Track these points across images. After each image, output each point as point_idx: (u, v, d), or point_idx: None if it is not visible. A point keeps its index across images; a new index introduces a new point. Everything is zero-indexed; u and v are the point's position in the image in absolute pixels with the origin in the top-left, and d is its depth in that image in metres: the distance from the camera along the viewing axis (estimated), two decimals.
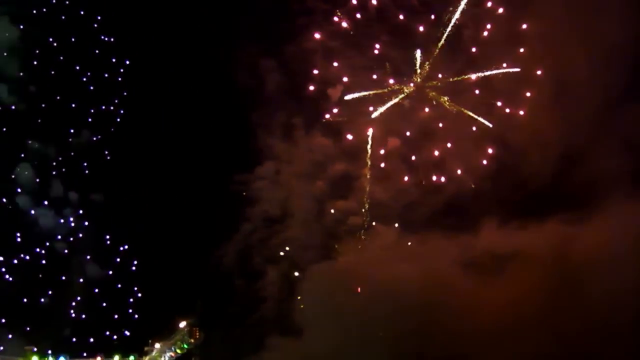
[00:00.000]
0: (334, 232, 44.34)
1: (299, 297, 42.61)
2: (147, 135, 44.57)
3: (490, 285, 39.20)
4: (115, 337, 43.30)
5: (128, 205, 43.84)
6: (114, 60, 46.53)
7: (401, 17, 43.21)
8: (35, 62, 44.89)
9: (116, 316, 43.96)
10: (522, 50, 41.93)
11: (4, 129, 43.46)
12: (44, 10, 45.48)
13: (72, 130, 45.40)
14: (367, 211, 44.17)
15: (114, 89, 46.33)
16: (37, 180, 43.92)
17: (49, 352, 40.88)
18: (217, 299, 43.78)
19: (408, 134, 44.58)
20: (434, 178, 44.00)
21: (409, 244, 42.88)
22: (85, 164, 45.43)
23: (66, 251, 43.74)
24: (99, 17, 46.54)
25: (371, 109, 43.44)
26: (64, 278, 43.20)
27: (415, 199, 43.85)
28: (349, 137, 44.46)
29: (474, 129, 43.14)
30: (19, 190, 43.33)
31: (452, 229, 40.58)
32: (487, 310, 38.08)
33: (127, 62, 46.60)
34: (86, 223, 44.52)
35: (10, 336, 40.19)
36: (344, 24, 43.20)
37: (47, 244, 43.51)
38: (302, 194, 44.85)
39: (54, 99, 44.73)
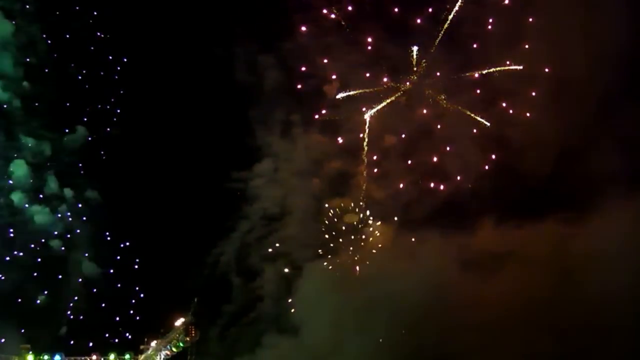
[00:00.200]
0: (331, 230, 44.18)
1: (295, 295, 42.69)
2: (145, 133, 44.11)
3: (487, 284, 39.46)
4: (116, 340, 43.06)
5: (125, 203, 43.50)
6: (110, 57, 46.08)
7: (397, 11, 43.15)
8: (28, 59, 44.35)
9: (117, 318, 43.79)
10: (522, 48, 42.02)
11: None
12: (38, 5, 44.91)
13: (67, 129, 44.92)
14: (365, 209, 44.25)
15: (110, 87, 45.86)
16: (32, 177, 43.51)
17: (45, 351, 40.54)
18: (214, 297, 43.58)
19: (405, 133, 44.70)
20: (432, 184, 44.24)
21: (407, 242, 42.89)
22: (81, 162, 44.93)
23: (63, 249, 43.42)
24: (95, 13, 46.05)
25: (366, 108, 43.45)
26: (60, 277, 42.98)
27: (413, 198, 43.89)
28: (344, 135, 44.54)
29: (474, 130, 43.38)
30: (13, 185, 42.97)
31: (449, 227, 40.88)
32: (485, 308, 38.34)
33: (124, 60, 46.12)
34: (84, 218, 44.24)
35: (5, 335, 39.78)
36: (340, 20, 43.14)
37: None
38: (300, 191, 44.85)
39: (48, 96, 44.18)
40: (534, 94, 42.03)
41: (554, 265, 38.85)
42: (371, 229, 44.25)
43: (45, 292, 42.30)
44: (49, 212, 43.41)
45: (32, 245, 42.62)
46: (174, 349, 41.89)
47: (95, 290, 43.33)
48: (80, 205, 44.26)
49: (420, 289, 39.09)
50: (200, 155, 43.94)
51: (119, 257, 44.14)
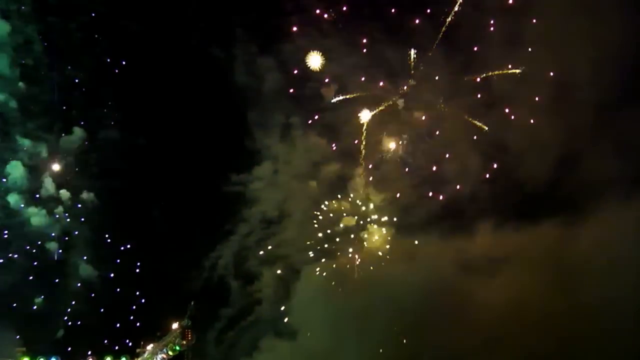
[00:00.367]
0: (330, 234, 44.15)
1: (293, 299, 42.61)
2: (143, 136, 44.13)
3: (486, 288, 39.52)
4: (116, 347, 42.80)
5: (122, 206, 43.32)
6: (107, 59, 45.78)
7: (395, 13, 43.06)
8: (24, 60, 43.99)
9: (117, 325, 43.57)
10: (522, 52, 41.86)
11: None
12: (34, 6, 44.60)
13: (63, 130, 44.71)
14: (364, 213, 44.21)
15: (108, 88, 45.53)
16: (29, 178, 43.25)
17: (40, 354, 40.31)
18: (212, 300, 43.46)
19: (403, 137, 44.66)
20: (430, 193, 44.15)
21: (405, 245, 42.96)
22: (78, 164, 44.72)
23: (59, 251, 43.18)
24: (92, 14, 45.72)
25: (363, 111, 43.52)
26: (57, 280, 42.74)
27: (411, 201, 43.85)
28: (343, 139, 44.44)
29: (472, 132, 43.26)
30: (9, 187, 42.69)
31: (448, 231, 40.99)
32: (483, 311, 38.44)
33: (122, 61, 45.88)
34: (82, 220, 44.02)
35: (0, 338, 39.48)
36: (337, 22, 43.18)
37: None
38: (299, 194, 44.83)
39: (45, 98, 43.95)
40: (537, 99, 41.88)
41: (553, 269, 38.97)
42: (369, 232, 44.22)
43: (42, 296, 42.17)
44: (45, 214, 43.24)
45: (28, 248, 42.48)
46: (170, 353, 41.82)
47: (93, 294, 43.29)
48: (76, 208, 44.14)
49: (419, 292, 39.16)
50: (199, 158, 43.82)
51: (118, 261, 44.01)
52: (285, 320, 42.70)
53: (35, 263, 42.23)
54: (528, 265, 39.73)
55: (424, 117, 44.12)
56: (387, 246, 43.79)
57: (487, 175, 43.16)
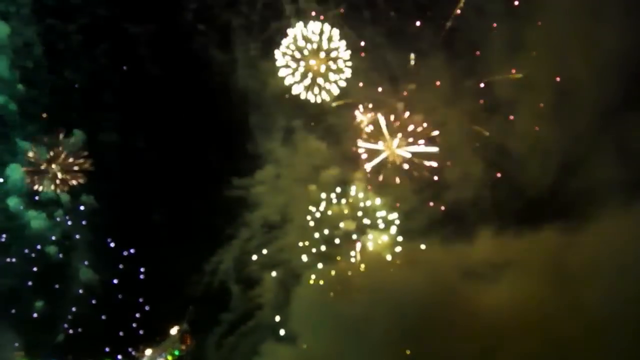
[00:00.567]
0: (331, 238, 43.97)
1: (294, 303, 42.40)
2: (144, 139, 44.11)
3: (488, 293, 39.42)
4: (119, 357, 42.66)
5: (123, 209, 43.14)
6: (107, 61, 45.57)
7: (395, 15, 43.16)
8: (24, 62, 43.87)
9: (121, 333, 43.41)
10: (524, 56, 41.70)
11: None
12: (33, 8, 44.42)
13: (64, 132, 44.49)
14: (364, 217, 44.04)
15: (108, 91, 45.37)
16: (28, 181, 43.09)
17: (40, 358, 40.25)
18: (212, 305, 43.30)
19: (403, 140, 44.43)
20: (431, 203, 44.07)
21: (406, 250, 42.88)
22: (78, 167, 44.43)
23: (60, 255, 42.95)
24: (92, 16, 45.51)
25: (364, 116, 43.83)
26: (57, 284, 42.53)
27: (412, 207, 43.74)
28: (344, 143, 44.70)
29: (475, 140, 43.28)
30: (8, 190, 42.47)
31: (449, 236, 40.89)
32: (485, 317, 38.30)
33: (122, 63, 45.63)
34: (83, 223, 43.79)
35: None
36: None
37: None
38: (301, 198, 44.58)
39: (45, 100, 43.80)
40: (534, 103, 41.76)
41: (553, 275, 38.86)
42: (370, 237, 44.11)
43: (42, 300, 41.98)
44: (45, 218, 43.11)
45: (28, 251, 42.37)
46: (168, 357, 41.84)
47: (94, 299, 43.12)
48: (77, 211, 43.97)
49: (419, 297, 39.00)
50: (201, 162, 43.85)
51: (120, 266, 43.86)
52: (286, 325, 42.51)
53: (35, 267, 42.16)
54: (530, 271, 39.62)
55: (424, 123, 44.01)
56: (388, 251, 43.66)
57: (489, 181, 43.06)
